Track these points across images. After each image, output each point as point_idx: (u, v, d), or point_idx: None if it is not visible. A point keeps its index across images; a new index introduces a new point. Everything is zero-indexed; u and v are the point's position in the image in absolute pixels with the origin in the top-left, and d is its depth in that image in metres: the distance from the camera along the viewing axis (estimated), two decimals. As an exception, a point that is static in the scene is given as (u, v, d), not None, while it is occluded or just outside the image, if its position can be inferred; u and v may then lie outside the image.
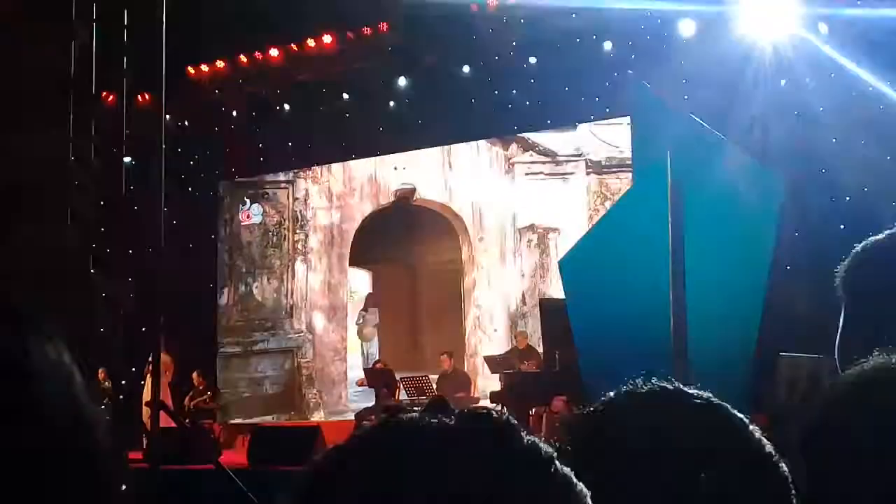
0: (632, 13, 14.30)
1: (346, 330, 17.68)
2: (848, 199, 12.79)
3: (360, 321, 17.24)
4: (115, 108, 10.16)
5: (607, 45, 14.62)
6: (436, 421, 0.85)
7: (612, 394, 1.17)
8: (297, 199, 18.48)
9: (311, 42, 16.47)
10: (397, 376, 14.17)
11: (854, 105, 12.74)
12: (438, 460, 0.81)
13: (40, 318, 0.84)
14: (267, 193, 18.73)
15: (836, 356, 1.92)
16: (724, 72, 13.19)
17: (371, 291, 17.44)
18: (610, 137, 15.26)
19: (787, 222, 9.67)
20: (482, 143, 16.57)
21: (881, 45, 12.45)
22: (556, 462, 0.87)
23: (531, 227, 16.18)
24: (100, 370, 12.74)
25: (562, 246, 14.49)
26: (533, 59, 15.40)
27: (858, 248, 2.08)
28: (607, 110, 14.90)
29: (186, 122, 17.74)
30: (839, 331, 1.92)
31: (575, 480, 0.87)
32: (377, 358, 16.18)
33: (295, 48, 16.64)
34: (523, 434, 0.87)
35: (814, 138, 12.79)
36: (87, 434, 0.82)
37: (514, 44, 15.47)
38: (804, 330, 10.16)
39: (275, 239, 18.66)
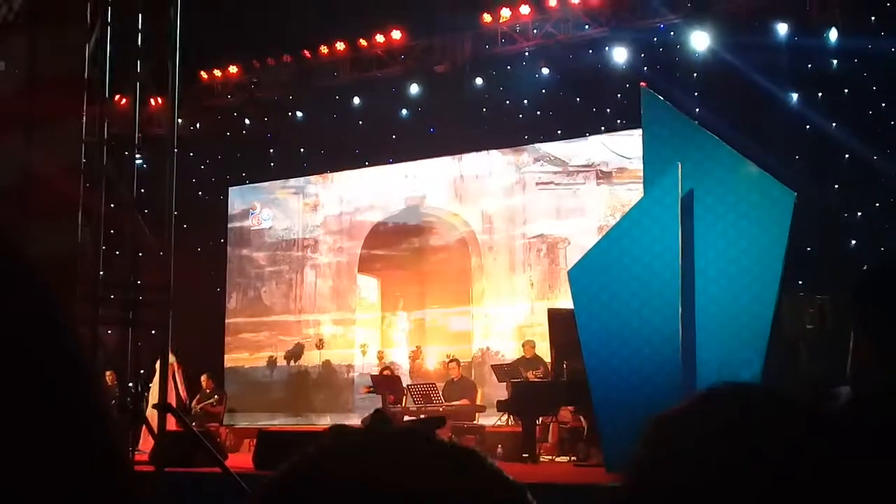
0: (645, 24, 14.32)
1: (353, 335, 17.69)
2: (860, 214, 12.76)
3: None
4: (128, 110, 10.19)
5: (619, 56, 14.62)
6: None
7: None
8: (307, 204, 18.51)
9: (324, 49, 16.50)
10: (404, 383, 14.15)
11: (867, 121, 12.72)
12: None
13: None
14: (277, 199, 18.76)
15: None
16: (736, 85, 13.18)
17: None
18: (621, 148, 15.25)
19: (798, 237, 9.64)
20: (493, 152, 16.57)
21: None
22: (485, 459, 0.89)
23: (541, 237, 16.16)
24: (108, 372, 12.77)
25: (571, 256, 14.47)
26: (545, 70, 15.41)
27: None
28: (619, 121, 14.89)
29: (198, 126, 17.78)
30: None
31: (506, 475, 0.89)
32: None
33: (308, 55, 16.68)
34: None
35: (826, 153, 12.77)
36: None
37: (527, 53, 15.49)
38: (815, 343, 10.13)
39: (284, 244, 18.69)
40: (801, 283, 11.51)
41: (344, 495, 0.83)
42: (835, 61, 13.10)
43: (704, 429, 0.99)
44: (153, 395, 11.63)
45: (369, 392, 14.31)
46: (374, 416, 0.94)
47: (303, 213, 18.53)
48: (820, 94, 13.17)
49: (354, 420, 14.47)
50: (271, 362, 18.36)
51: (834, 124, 12.90)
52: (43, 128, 7.66)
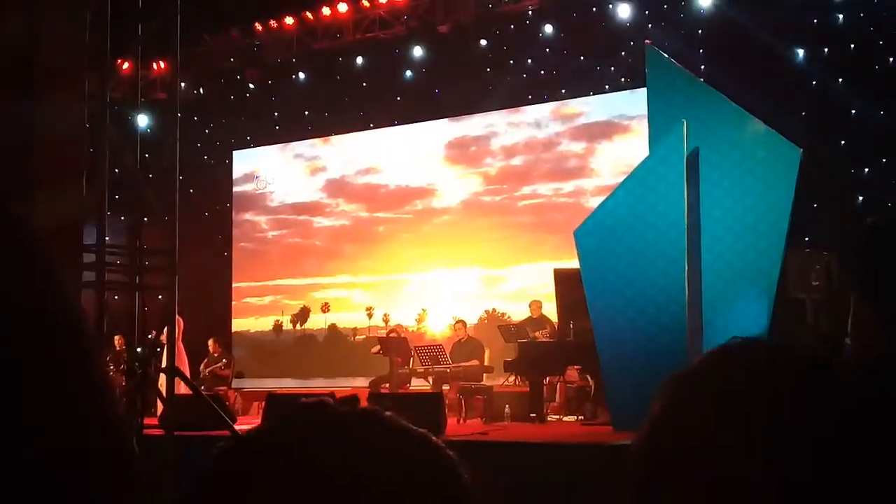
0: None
1: (359, 298, 17.72)
2: (867, 170, 12.71)
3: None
4: (131, 74, 10.15)
5: (624, 13, 14.51)
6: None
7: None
8: (310, 167, 18.49)
9: (326, 10, 16.40)
10: (411, 345, 14.18)
11: (873, 76, 12.63)
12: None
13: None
14: (281, 162, 18.73)
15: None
16: (741, 41, 13.08)
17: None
18: (626, 106, 15.16)
19: (804, 194, 9.61)
20: (497, 112, 16.50)
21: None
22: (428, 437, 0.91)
23: (546, 197, 16.15)
24: (116, 337, 12.83)
25: (577, 216, 14.45)
26: (549, 28, 15.31)
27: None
28: (623, 79, 14.81)
29: (202, 90, 17.72)
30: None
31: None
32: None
33: (310, 16, 16.57)
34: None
35: (832, 109, 12.69)
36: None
37: (530, 12, 15.38)
38: (821, 299, 10.12)
39: (288, 208, 18.69)
40: (807, 239, 11.49)
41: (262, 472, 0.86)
42: (840, 16, 12.99)
43: (719, 385, 0.98)
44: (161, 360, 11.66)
45: (377, 354, 14.33)
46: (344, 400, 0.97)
47: (306, 177, 18.51)
48: (826, 50, 13.08)
49: (361, 383, 14.52)
50: (277, 326, 18.43)
51: (840, 79, 12.82)
52: (45, 93, 7.63)
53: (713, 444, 0.94)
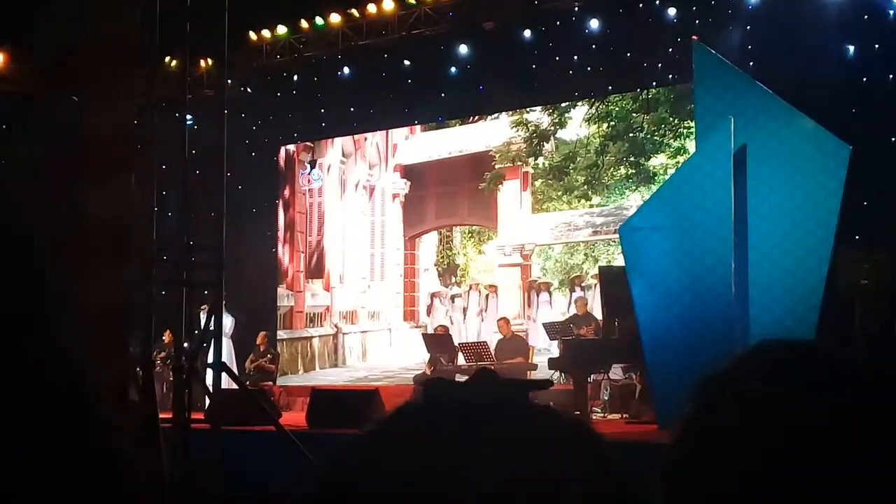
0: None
1: (400, 298, 17.76)
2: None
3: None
4: (178, 72, 10.23)
5: (671, 10, 14.40)
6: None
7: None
8: (357, 164, 18.55)
9: (371, 7, 16.42)
10: (456, 342, 14.20)
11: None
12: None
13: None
14: (326, 160, 18.81)
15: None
16: (790, 38, 12.92)
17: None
18: (668, 103, 15.06)
19: (854, 191, 9.49)
20: (538, 109, 16.46)
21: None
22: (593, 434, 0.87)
23: (588, 195, 16.09)
24: (166, 332, 12.98)
25: (620, 216, 14.39)
26: (595, 24, 15.23)
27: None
28: (670, 76, 14.70)
29: (248, 87, 17.84)
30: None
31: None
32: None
33: (356, 14, 16.61)
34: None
35: (882, 106, 12.52)
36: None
37: (576, 8, 15.31)
38: (870, 298, 10.00)
39: (332, 205, 18.76)
40: (857, 237, 11.34)
41: (429, 459, 0.82)
42: (892, 12, 12.80)
43: (747, 389, 0.97)
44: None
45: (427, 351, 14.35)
46: (479, 373, 0.92)
47: (353, 173, 18.57)
48: (877, 46, 12.89)
49: (404, 380, 14.55)
50: (324, 320, 18.49)
51: (891, 76, 12.63)
52: (94, 90, 7.71)
53: (740, 448, 0.93)
